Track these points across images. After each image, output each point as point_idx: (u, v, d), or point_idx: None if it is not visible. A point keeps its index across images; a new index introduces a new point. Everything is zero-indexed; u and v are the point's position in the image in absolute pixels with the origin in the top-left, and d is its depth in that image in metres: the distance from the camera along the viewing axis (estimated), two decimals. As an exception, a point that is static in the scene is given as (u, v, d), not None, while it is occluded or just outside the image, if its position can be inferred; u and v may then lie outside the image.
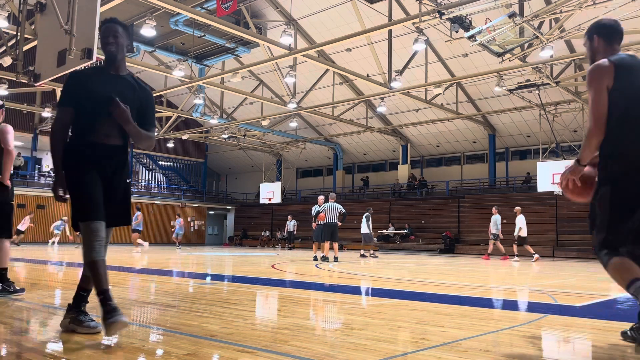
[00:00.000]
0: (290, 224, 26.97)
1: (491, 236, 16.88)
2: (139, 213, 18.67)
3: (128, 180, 3.26)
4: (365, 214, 16.76)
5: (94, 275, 2.92)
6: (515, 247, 16.54)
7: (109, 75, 3.17)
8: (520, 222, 16.39)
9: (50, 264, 10.12)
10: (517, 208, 16.84)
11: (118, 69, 3.20)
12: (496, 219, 16.76)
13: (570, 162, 3.22)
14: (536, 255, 16.38)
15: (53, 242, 22.44)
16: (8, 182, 4.76)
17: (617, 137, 2.87)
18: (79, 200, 2.97)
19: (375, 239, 18.45)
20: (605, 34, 3.10)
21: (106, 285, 2.91)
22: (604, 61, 2.95)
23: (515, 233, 16.44)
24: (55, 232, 22.15)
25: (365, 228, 16.60)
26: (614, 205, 2.83)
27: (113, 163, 3.13)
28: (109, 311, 2.77)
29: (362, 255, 16.38)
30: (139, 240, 18.72)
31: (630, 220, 2.82)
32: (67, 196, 3.03)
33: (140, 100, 3.22)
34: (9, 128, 4.85)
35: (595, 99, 2.87)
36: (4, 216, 4.75)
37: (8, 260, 4.86)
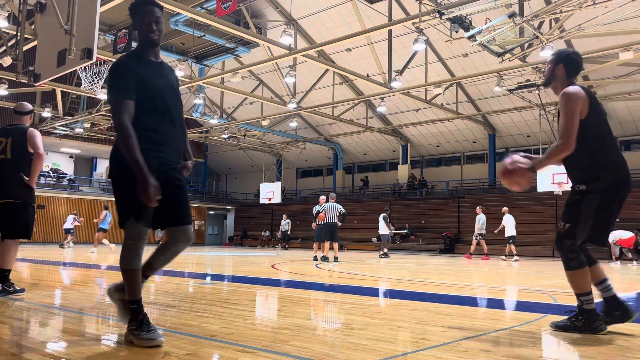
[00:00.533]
0: (285, 224, 26.52)
1: (479, 236, 17.04)
2: (105, 211, 18.00)
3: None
4: (383, 215, 16.89)
5: (131, 282, 2.79)
6: (512, 247, 16.59)
7: (153, 63, 2.93)
8: (504, 221, 16.69)
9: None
10: (505, 208, 17.22)
11: (157, 55, 2.99)
12: (479, 218, 16.96)
13: (507, 160, 3.42)
14: (503, 257, 16.98)
15: (69, 242, 21.10)
16: (34, 185, 4.87)
17: (601, 151, 3.33)
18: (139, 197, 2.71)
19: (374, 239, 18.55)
20: (570, 66, 3.49)
21: (140, 293, 2.83)
22: (580, 90, 3.35)
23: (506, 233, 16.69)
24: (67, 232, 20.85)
25: (384, 229, 16.75)
26: (600, 211, 3.29)
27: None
28: (146, 323, 2.74)
29: (385, 255, 16.60)
30: (104, 240, 17.81)
31: (609, 224, 3.36)
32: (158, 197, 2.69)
33: (177, 84, 3.11)
34: (37, 132, 4.92)
35: (571, 119, 3.26)
36: (26, 217, 4.81)
37: (13, 262, 4.86)
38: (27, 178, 4.76)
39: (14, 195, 4.73)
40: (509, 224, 16.58)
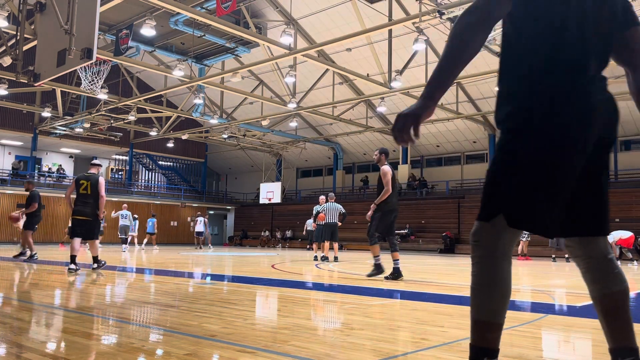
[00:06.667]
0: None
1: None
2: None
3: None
4: None
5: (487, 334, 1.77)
6: None
7: None
8: None
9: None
10: None
11: None
12: None
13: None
14: None
15: (135, 244, 21.90)
16: (101, 215, 8.34)
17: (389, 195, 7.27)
18: (525, 186, 1.72)
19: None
20: (386, 154, 7.52)
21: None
22: (386, 166, 7.42)
23: None
24: (131, 233, 21.21)
25: None
26: (381, 220, 7.30)
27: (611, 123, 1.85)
28: None
29: (568, 259, 16.15)
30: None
31: (385, 226, 7.36)
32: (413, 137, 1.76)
33: None
34: (103, 180, 8.41)
35: (389, 180, 7.24)
36: (97, 228, 8.34)
37: (98, 251, 8.48)
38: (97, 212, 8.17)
39: (90, 215, 8.04)
40: None
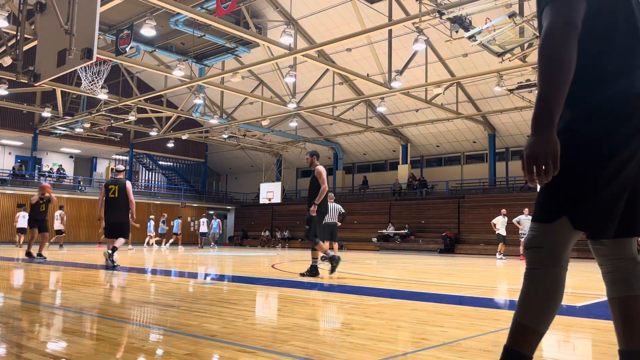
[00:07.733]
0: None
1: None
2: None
3: None
4: None
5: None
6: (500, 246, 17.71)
7: None
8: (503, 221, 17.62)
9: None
10: (503, 210, 17.98)
11: None
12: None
13: None
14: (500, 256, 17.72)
15: (153, 244, 23.21)
16: (134, 214, 9.30)
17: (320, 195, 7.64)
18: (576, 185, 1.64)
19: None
20: (317, 156, 7.98)
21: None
22: (320, 166, 7.80)
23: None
24: (150, 232, 22.92)
25: None
26: (319, 222, 7.70)
27: None
28: None
29: None
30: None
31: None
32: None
33: None
34: (130, 185, 9.29)
35: (325, 178, 7.64)
36: (128, 228, 9.27)
37: (119, 244, 9.00)
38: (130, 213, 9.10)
39: (121, 218, 8.95)
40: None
